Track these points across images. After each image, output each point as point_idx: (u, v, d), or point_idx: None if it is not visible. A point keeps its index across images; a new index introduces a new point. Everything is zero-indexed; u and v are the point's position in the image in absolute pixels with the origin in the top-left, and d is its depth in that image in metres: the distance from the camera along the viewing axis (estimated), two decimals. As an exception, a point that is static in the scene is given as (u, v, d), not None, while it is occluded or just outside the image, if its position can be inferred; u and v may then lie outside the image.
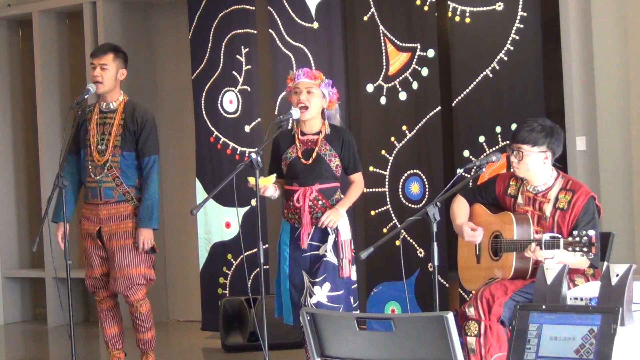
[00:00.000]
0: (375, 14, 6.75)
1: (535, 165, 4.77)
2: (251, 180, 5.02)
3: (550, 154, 4.77)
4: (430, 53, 6.48)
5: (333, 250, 5.24)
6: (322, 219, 5.21)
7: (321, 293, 5.17)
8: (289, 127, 5.33)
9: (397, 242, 6.48)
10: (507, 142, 4.96)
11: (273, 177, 5.22)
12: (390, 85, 6.70)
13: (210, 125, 7.43)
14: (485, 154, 6.19)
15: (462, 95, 6.37)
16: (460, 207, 5.03)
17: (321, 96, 5.29)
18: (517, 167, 4.80)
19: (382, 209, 6.75)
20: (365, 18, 6.80)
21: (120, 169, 5.75)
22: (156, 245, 5.87)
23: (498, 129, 6.21)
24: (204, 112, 7.46)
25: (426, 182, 6.53)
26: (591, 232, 4.36)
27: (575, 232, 4.41)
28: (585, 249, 4.35)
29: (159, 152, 5.90)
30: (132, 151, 5.79)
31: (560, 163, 5.04)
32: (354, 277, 5.30)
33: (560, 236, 4.52)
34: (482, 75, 6.28)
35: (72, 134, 5.82)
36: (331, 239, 5.23)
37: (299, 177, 5.28)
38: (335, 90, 5.40)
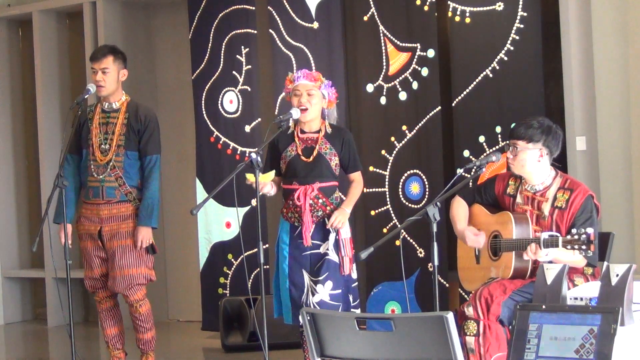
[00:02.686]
0: (375, 14, 6.75)
1: (530, 163, 4.77)
2: (250, 177, 5.03)
3: (546, 153, 4.78)
4: (430, 53, 6.48)
5: (334, 249, 5.26)
6: (331, 220, 5.23)
7: (324, 291, 5.19)
8: (287, 126, 5.34)
9: (397, 242, 6.48)
10: (507, 141, 4.97)
11: (272, 173, 5.22)
12: (390, 85, 6.70)
13: (210, 125, 7.43)
14: (485, 154, 6.19)
15: (462, 95, 6.37)
16: (460, 210, 5.02)
17: (321, 97, 5.32)
18: (512, 164, 4.82)
19: (382, 209, 6.75)
20: (365, 18, 6.80)
21: (123, 168, 5.73)
22: (157, 246, 5.86)
23: (498, 129, 6.21)
24: (204, 112, 7.46)
25: (426, 182, 6.53)
26: (589, 230, 4.36)
27: (573, 230, 4.41)
28: (583, 247, 4.35)
29: (161, 152, 5.89)
30: (135, 151, 5.77)
31: (560, 163, 5.04)
32: (354, 275, 5.34)
33: (558, 235, 4.52)
34: (482, 75, 6.28)
35: (71, 133, 5.81)
36: (332, 237, 5.25)
37: (299, 176, 5.29)
38: (334, 90, 5.43)
